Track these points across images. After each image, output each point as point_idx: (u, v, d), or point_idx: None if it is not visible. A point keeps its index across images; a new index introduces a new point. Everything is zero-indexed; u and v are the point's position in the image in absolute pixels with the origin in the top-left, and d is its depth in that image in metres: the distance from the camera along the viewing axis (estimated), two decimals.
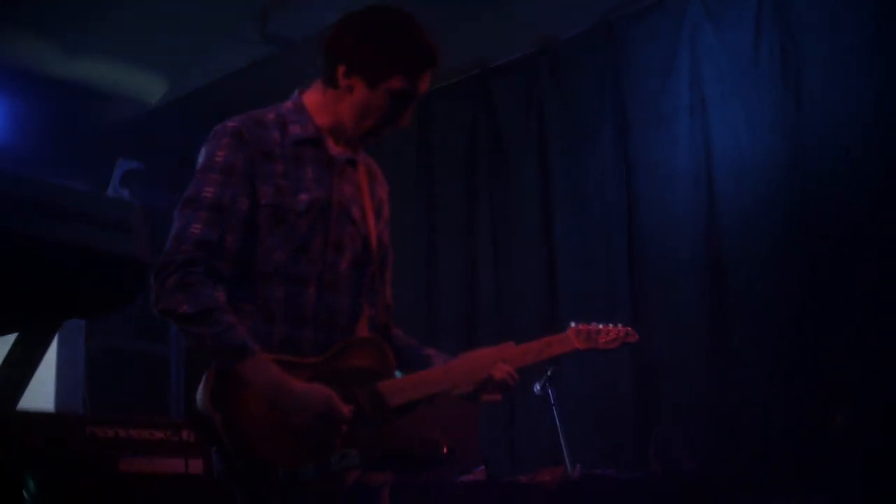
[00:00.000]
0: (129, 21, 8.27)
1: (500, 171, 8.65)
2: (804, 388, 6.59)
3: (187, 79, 9.20)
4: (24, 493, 4.96)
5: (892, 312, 6.29)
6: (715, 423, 6.96)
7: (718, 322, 7.12)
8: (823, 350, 6.56)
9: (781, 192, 6.93)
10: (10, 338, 2.36)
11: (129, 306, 2.18)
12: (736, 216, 7.16)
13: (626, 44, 7.95)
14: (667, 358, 7.33)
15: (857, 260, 6.52)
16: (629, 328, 4.09)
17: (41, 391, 9.04)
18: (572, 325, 3.95)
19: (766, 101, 7.10)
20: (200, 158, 3.47)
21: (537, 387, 6.57)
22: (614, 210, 7.80)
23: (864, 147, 6.59)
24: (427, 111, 9.11)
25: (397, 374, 3.56)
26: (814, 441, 6.40)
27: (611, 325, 4.03)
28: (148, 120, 9.54)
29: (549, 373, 6.45)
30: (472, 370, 3.62)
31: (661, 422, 7.11)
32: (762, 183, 7.03)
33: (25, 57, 8.67)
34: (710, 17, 7.45)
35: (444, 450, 3.65)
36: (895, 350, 6.21)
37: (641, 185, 7.75)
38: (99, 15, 8.21)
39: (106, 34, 8.54)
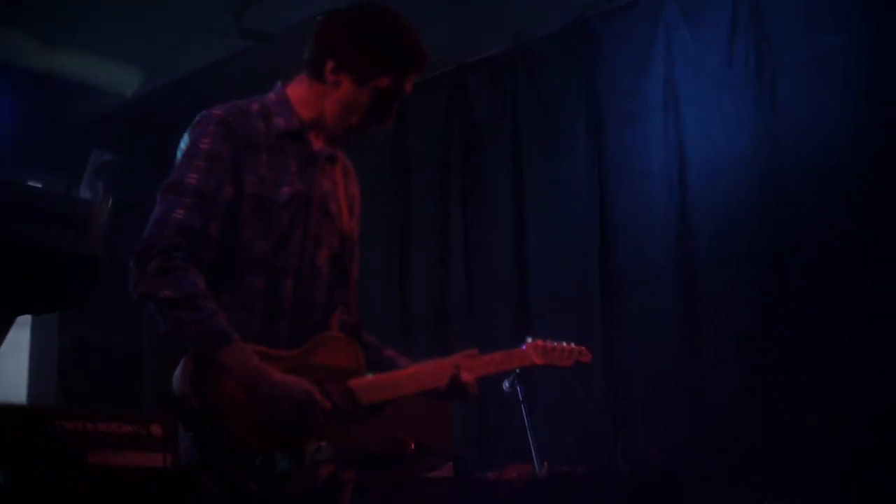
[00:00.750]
0: (105, 14, 8.27)
1: (474, 168, 8.65)
2: (775, 389, 6.61)
3: (163, 72, 9.18)
4: None
5: (865, 313, 6.30)
6: (684, 422, 6.97)
7: (690, 321, 7.13)
8: (795, 350, 6.58)
9: (754, 193, 6.94)
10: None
11: (84, 302, 2.19)
12: (709, 216, 7.16)
13: (601, 42, 7.95)
14: (637, 356, 7.35)
15: (829, 260, 6.53)
16: (582, 347, 4.23)
17: (14, 384, 9.04)
18: (528, 340, 4.07)
19: (740, 102, 7.11)
20: (184, 144, 3.47)
21: (506, 384, 6.58)
22: (587, 208, 7.80)
23: (838, 148, 6.60)
24: (402, 106, 9.08)
25: (368, 373, 3.59)
26: (784, 442, 6.42)
27: (565, 343, 4.17)
28: (123, 112, 9.53)
29: (517, 370, 6.46)
30: (439, 374, 3.66)
31: (630, 420, 7.12)
32: (735, 183, 7.04)
33: (1, 50, 8.64)
34: (685, 16, 7.45)
35: (412, 446, 3.68)
36: (867, 351, 6.23)
37: (615, 184, 7.75)
38: (75, 7, 8.21)
39: (82, 27, 8.54)
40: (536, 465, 6.16)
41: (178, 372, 3.20)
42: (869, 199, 6.44)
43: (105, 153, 8.39)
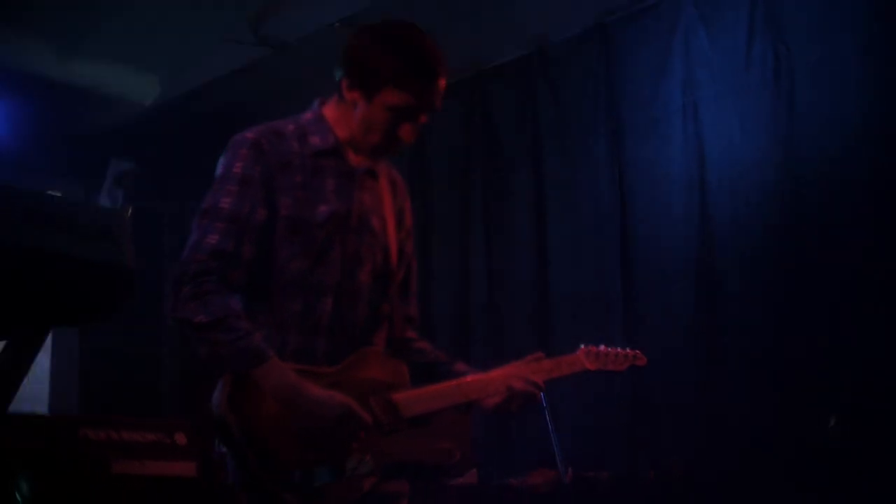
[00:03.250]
0: (123, 23, 8.28)
1: (494, 174, 8.65)
2: (795, 392, 6.58)
3: (182, 80, 9.20)
4: (17, 496, 4.96)
5: (886, 316, 6.28)
6: (705, 426, 6.96)
7: (710, 325, 7.11)
8: (815, 354, 6.56)
9: (774, 196, 6.92)
10: None
11: (117, 313, 2.19)
12: (728, 220, 7.15)
13: (619, 47, 7.94)
14: (658, 361, 7.28)
15: (849, 263, 6.50)
16: (637, 351, 4.30)
17: (36, 394, 9.06)
18: (582, 346, 4.07)
19: (758, 105, 7.09)
20: (219, 169, 3.49)
21: None
22: (607, 213, 7.79)
23: (856, 151, 6.57)
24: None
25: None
26: (804, 444, 6.40)
27: (619, 349, 4.21)
28: (142, 121, 9.55)
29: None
30: (485, 384, 3.68)
31: (651, 425, 7.11)
32: (755, 186, 7.02)
33: (20, 59, 8.67)
34: (704, 20, 7.43)
35: (458, 456, 3.68)
36: (887, 354, 6.21)
37: (635, 188, 7.73)
38: (93, 17, 8.22)
39: (100, 36, 8.56)
40: (561, 471, 6.16)
41: (216, 393, 3.23)
42: (889, 201, 6.41)
43: (123, 162, 8.42)
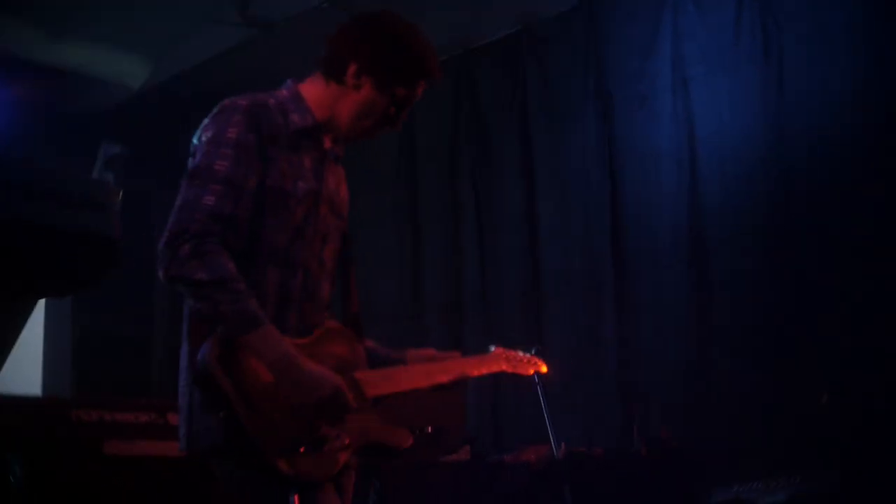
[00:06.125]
0: (111, 5, 8.26)
1: (483, 152, 8.66)
2: (786, 368, 6.61)
3: (170, 62, 9.18)
4: (10, 477, 4.96)
5: (875, 293, 6.30)
6: (697, 402, 6.98)
7: (701, 299, 7.14)
8: (806, 329, 6.59)
9: (764, 171, 6.94)
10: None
11: (102, 284, 2.19)
12: (718, 195, 7.17)
13: (607, 23, 7.95)
14: (649, 337, 7.35)
15: (839, 239, 6.53)
16: (537, 359, 4.60)
17: (29, 375, 9.06)
18: (492, 348, 4.39)
19: (747, 80, 7.11)
20: (208, 132, 3.49)
21: None
22: (597, 190, 7.81)
23: (845, 125, 6.60)
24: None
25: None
26: (795, 420, 6.43)
27: (522, 353, 4.54)
28: (131, 104, 9.53)
29: (533, 352, 6.45)
30: (429, 373, 3.90)
31: (643, 400, 7.13)
32: (744, 161, 7.05)
33: (9, 42, 8.65)
34: None
35: (429, 430, 3.73)
36: (878, 331, 6.23)
37: (624, 165, 7.76)
38: None
39: (89, 19, 8.53)
40: (554, 447, 6.17)
41: (204, 353, 3.22)
42: (878, 175, 6.43)
43: (114, 145, 8.42)
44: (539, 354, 4.61)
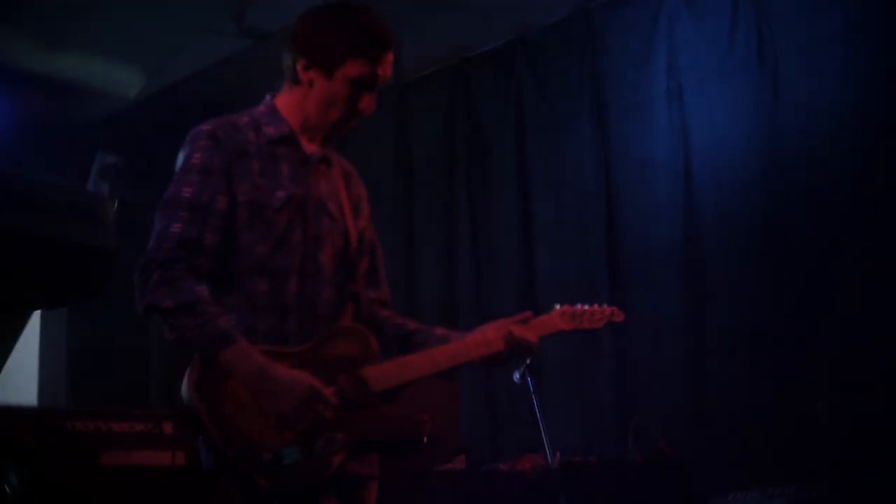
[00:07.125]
0: (107, 15, 8.27)
1: (479, 160, 8.65)
2: (782, 376, 6.60)
3: (166, 72, 9.19)
4: (6, 487, 4.97)
5: (872, 300, 6.30)
6: (693, 410, 6.98)
7: (697, 308, 7.13)
8: (802, 337, 6.58)
9: (759, 179, 6.93)
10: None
11: (99, 296, 2.20)
12: (714, 203, 7.16)
13: (603, 32, 7.94)
14: (645, 345, 7.34)
15: (835, 247, 6.53)
16: (614, 307, 4.25)
17: (25, 386, 9.06)
18: (556, 306, 4.10)
19: (743, 89, 7.11)
20: (179, 162, 3.57)
21: (516, 375, 6.55)
22: (593, 198, 7.80)
23: (841, 133, 6.59)
24: (405, 101, 9.13)
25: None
26: (791, 428, 6.43)
27: (596, 306, 4.19)
28: (128, 114, 9.54)
29: (528, 361, 6.45)
30: (457, 352, 3.75)
31: (639, 409, 7.12)
32: (740, 170, 7.04)
33: (5, 53, 8.66)
34: (687, 4, 7.44)
35: (428, 428, 3.69)
36: (874, 340, 6.23)
37: (620, 174, 7.75)
38: (77, 9, 8.21)
39: (84, 29, 8.55)
40: (549, 456, 6.16)
41: (185, 379, 3.30)
42: (874, 183, 6.43)
43: (110, 155, 8.41)
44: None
